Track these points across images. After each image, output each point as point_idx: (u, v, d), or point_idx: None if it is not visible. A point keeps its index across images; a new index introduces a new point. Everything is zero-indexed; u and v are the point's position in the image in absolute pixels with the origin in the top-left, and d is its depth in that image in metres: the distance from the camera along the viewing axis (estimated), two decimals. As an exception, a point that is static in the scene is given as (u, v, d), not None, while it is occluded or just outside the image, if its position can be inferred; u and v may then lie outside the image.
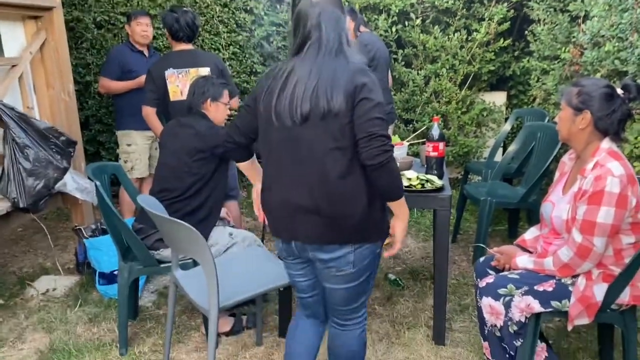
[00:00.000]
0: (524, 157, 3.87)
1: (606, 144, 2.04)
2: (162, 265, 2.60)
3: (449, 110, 5.02)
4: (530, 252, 2.32)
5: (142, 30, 3.75)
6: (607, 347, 2.46)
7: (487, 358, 2.30)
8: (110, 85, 3.76)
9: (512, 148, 4.01)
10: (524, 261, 2.19)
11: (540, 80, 4.46)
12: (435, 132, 2.72)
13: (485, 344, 2.29)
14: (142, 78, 3.57)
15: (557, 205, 2.14)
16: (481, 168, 4.30)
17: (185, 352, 2.64)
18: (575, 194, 2.04)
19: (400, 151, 3.11)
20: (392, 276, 3.36)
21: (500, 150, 4.72)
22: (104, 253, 3.10)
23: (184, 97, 3.33)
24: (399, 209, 1.84)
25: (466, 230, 4.20)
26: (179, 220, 2.05)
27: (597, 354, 2.51)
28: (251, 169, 2.11)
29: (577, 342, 2.61)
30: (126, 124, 3.83)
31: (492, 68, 4.98)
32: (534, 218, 3.79)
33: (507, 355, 2.21)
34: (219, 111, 2.80)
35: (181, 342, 2.72)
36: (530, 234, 2.40)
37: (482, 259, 2.45)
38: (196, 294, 2.22)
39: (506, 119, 5.04)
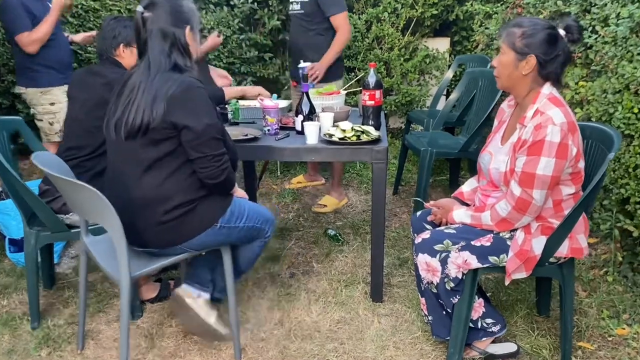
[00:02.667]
0: (466, 105, 3.75)
1: (547, 89, 1.91)
2: (73, 231, 2.34)
3: (392, 57, 4.83)
4: (468, 205, 2.22)
5: None
6: (545, 298, 2.43)
7: (425, 314, 2.21)
8: (35, 36, 3.18)
9: (453, 96, 3.89)
10: (460, 215, 2.08)
11: (483, 24, 4.32)
12: (372, 79, 2.53)
13: (423, 299, 2.20)
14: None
15: (495, 156, 2.01)
16: (423, 117, 4.17)
17: (106, 323, 2.43)
18: (514, 144, 1.91)
19: (337, 100, 2.91)
20: (331, 232, 3.23)
21: (443, 98, 4.60)
22: (12, 217, 2.80)
23: None
24: None
25: (408, 182, 4.10)
26: (79, 182, 1.80)
27: (534, 305, 2.47)
28: None
29: (516, 294, 2.56)
30: (46, 80, 3.33)
31: (435, 12, 4.78)
32: (475, 167, 3.72)
33: (444, 312, 2.13)
34: (133, 57, 2.49)
35: (102, 312, 2.51)
36: (468, 186, 2.28)
37: (418, 213, 2.33)
38: (108, 262, 1.99)
39: (449, 66, 4.90)
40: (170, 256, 2.01)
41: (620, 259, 2.64)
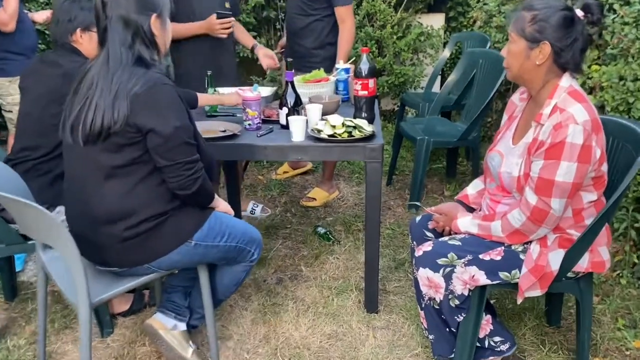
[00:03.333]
0: (464, 87, 3.50)
1: (566, 81, 1.66)
2: (30, 242, 2.08)
3: (384, 35, 4.54)
4: (474, 210, 1.98)
5: None
6: (555, 306, 2.22)
7: (424, 328, 2.00)
8: (10, 11, 2.88)
9: (451, 78, 3.62)
10: (466, 224, 1.84)
11: (481, 0, 4.04)
12: (365, 66, 2.25)
13: (422, 313, 1.98)
14: None
15: (506, 158, 1.77)
16: (418, 100, 3.92)
17: (72, 341, 2.19)
18: (529, 145, 1.67)
19: (326, 89, 2.64)
20: (321, 229, 2.99)
21: (439, 79, 4.34)
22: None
23: None
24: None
25: (402, 170, 3.85)
26: (25, 201, 1.54)
27: (544, 314, 2.27)
28: None
29: (523, 302, 2.34)
30: (14, 68, 3.01)
31: (430, -14, 4.50)
32: (473, 155, 3.49)
33: (448, 330, 1.91)
34: (94, 43, 2.19)
35: (69, 328, 2.27)
36: (473, 188, 2.04)
37: (418, 218, 2.09)
38: (67, 283, 1.74)
39: (445, 44, 4.63)
40: (138, 276, 1.77)
41: (635, 260, 2.43)
